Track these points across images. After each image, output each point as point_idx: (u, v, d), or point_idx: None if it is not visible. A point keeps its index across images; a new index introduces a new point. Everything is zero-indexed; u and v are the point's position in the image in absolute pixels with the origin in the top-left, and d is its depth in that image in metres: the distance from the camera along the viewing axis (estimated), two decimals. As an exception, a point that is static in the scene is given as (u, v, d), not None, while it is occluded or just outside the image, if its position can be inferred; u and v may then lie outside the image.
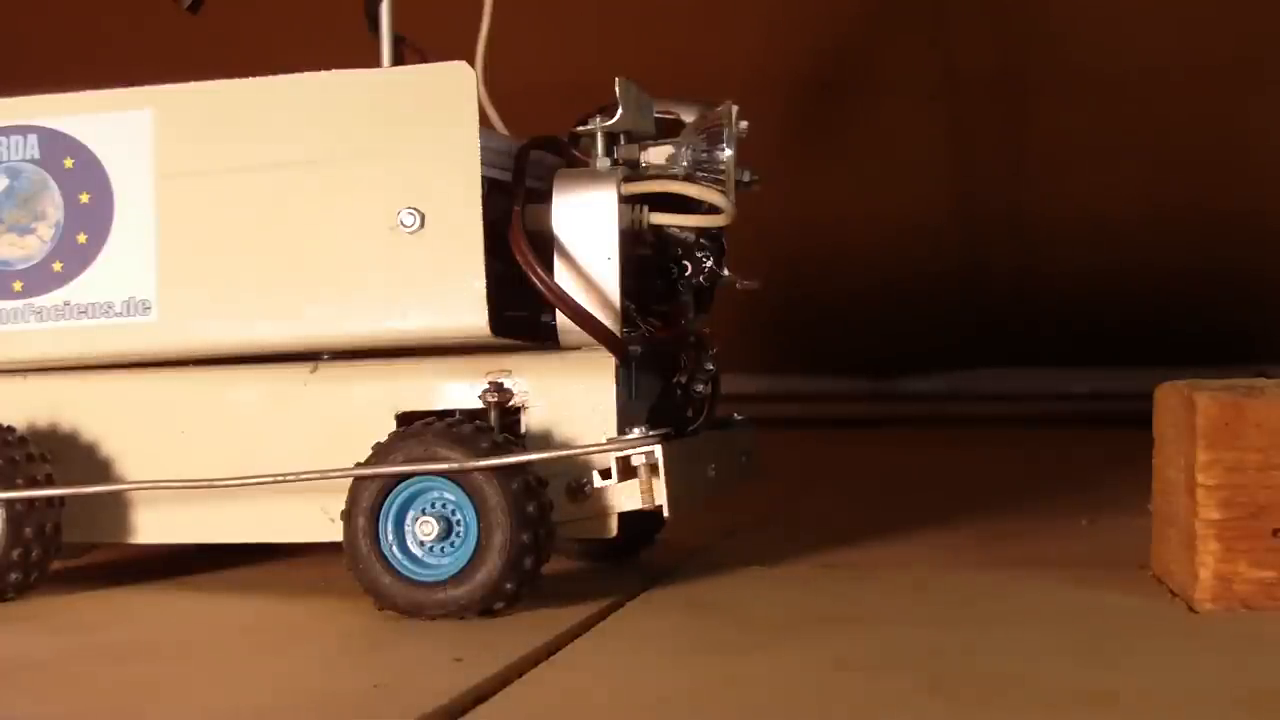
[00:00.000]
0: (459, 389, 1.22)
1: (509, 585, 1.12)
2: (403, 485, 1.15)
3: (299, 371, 1.26)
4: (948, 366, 3.17)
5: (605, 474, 1.16)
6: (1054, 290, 3.12)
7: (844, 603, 1.19)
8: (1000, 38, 3.13)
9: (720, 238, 1.27)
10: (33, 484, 1.23)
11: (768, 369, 3.10)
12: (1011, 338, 3.14)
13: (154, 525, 1.28)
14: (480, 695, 0.94)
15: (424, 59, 1.26)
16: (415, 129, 1.18)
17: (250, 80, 1.22)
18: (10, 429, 1.25)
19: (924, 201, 3.18)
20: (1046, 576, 1.27)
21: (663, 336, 1.26)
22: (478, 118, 1.17)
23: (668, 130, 1.28)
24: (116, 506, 1.28)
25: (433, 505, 1.15)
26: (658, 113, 1.29)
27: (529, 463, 1.14)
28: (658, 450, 1.13)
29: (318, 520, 1.23)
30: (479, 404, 1.20)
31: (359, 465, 1.16)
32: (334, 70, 1.22)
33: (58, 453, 1.27)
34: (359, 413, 1.23)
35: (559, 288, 1.18)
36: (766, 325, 2.93)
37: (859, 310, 3.17)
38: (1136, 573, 1.25)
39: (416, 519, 1.15)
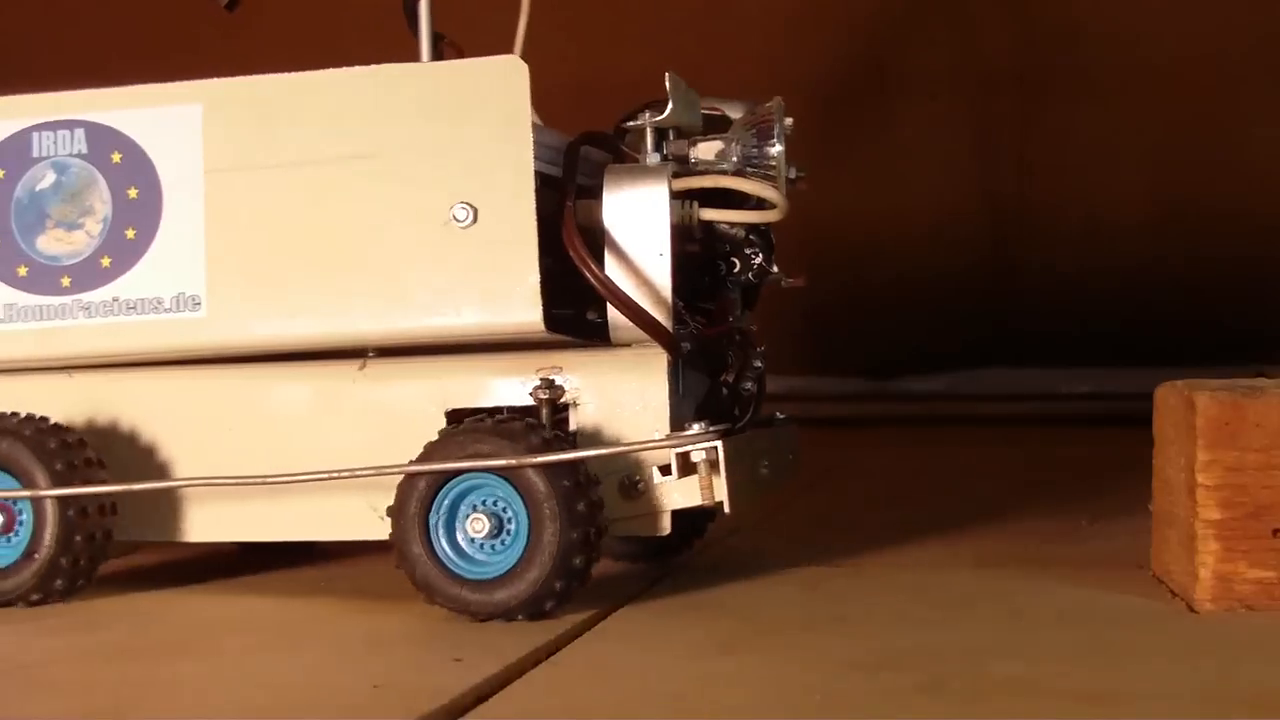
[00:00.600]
0: (509, 386, 1.22)
1: (559, 584, 1.12)
2: (454, 482, 1.15)
3: (347, 368, 1.25)
4: (947, 366, 3.16)
5: (665, 470, 1.16)
6: (1057, 289, 3.11)
7: (844, 603, 1.19)
8: (1024, 35, 3.11)
9: (768, 234, 1.26)
10: (86, 483, 1.22)
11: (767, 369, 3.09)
12: (1011, 338, 3.14)
13: (202, 524, 1.27)
14: (480, 695, 0.94)
15: (461, 57, 1.26)
16: (467, 123, 1.18)
17: (301, 75, 1.22)
18: (61, 426, 1.25)
19: (940, 201, 3.16)
20: (1046, 576, 1.27)
21: (712, 333, 1.25)
22: (530, 112, 1.16)
23: (712, 127, 1.28)
24: (164, 505, 1.27)
25: (483, 503, 1.15)
26: (703, 109, 1.28)
27: (581, 460, 1.14)
28: (719, 446, 1.13)
29: (366, 518, 1.22)
30: (528, 401, 1.19)
31: (412, 462, 1.16)
32: (386, 64, 1.21)
33: (102, 450, 1.26)
34: (408, 410, 1.23)
35: (613, 283, 1.17)
36: (764, 325, 2.92)
37: (862, 310, 3.17)
38: (1136, 573, 1.25)
39: (467, 516, 1.14)
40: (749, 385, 1.29)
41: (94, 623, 1.19)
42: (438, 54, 1.27)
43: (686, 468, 1.14)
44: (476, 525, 1.14)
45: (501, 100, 1.17)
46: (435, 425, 1.20)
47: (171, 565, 1.32)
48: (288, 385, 1.26)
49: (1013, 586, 1.24)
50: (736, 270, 1.25)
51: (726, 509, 1.14)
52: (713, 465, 1.13)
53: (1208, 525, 1.10)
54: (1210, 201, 3.04)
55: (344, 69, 1.21)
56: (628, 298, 1.17)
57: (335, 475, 1.20)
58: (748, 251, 1.25)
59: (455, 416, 1.21)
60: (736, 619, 1.15)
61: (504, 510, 1.14)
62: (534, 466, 1.12)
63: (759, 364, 1.30)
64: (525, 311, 1.16)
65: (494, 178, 1.17)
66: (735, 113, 1.27)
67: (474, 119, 1.17)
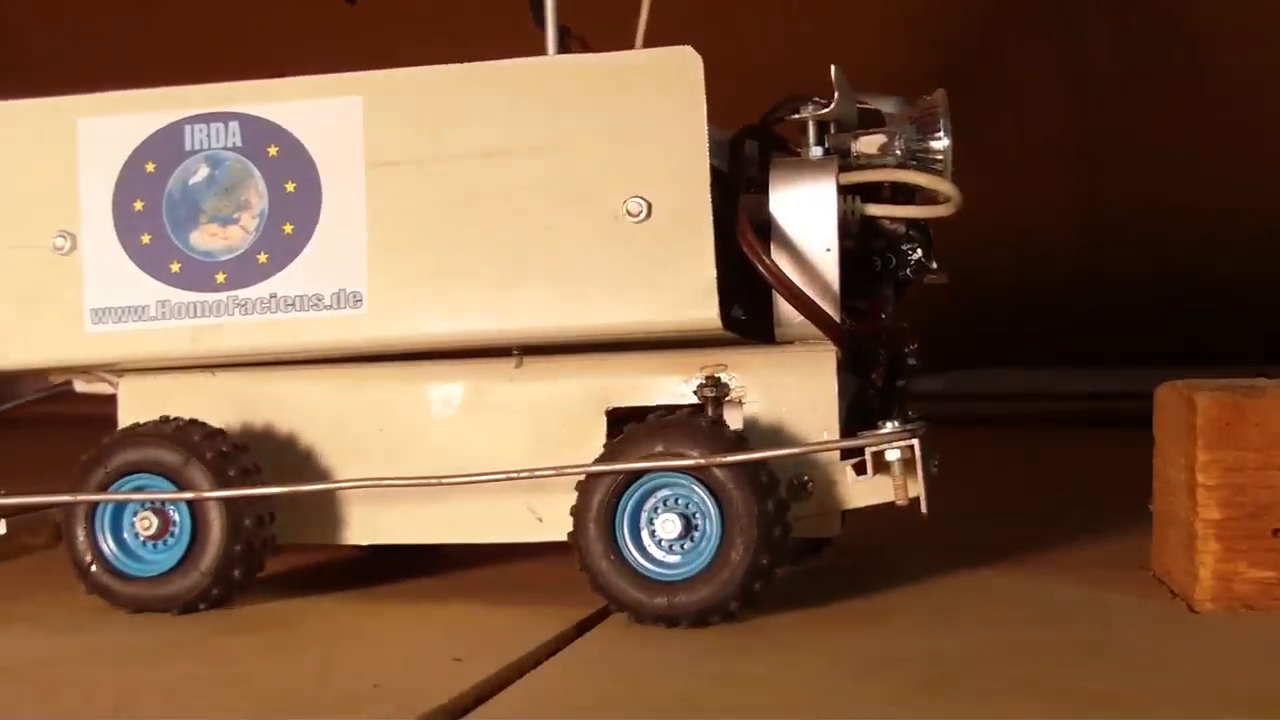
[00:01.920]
0: (670, 384, 1.20)
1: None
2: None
3: (503, 366, 1.23)
4: (947, 366, 3.15)
5: (860, 469, 1.14)
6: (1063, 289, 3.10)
7: (843, 602, 1.19)
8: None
9: (927, 229, 1.24)
10: (247, 485, 1.20)
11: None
12: (1013, 337, 3.12)
13: (357, 526, 1.25)
14: (480, 695, 0.94)
15: (587, 51, 1.24)
16: (640, 115, 1.15)
17: (466, 66, 1.19)
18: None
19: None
20: (1046, 576, 1.27)
21: (870, 330, 1.23)
22: (705, 104, 1.14)
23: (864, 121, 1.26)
24: (320, 508, 1.25)
25: (666, 503, 1.13)
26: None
27: (766, 460, 1.12)
28: (915, 444, 1.11)
29: (524, 520, 1.21)
30: (690, 400, 1.18)
31: (597, 460, 1.14)
32: (555, 55, 1.20)
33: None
34: (567, 408, 1.21)
35: (788, 277, 1.15)
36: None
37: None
38: (1136, 573, 1.25)
39: (652, 518, 1.12)
40: (901, 383, 1.27)
41: (94, 623, 1.18)
42: (564, 48, 1.25)
43: (879, 466, 1.12)
44: (668, 527, 1.11)
45: (676, 91, 1.14)
46: (595, 424, 1.19)
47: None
48: (440, 385, 1.23)
49: (1012, 586, 1.24)
50: (893, 266, 1.23)
51: (924, 508, 1.11)
52: (906, 464, 1.11)
53: (1208, 525, 1.10)
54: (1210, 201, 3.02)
55: (512, 60, 1.19)
56: (802, 292, 1.15)
57: (527, 474, 1.17)
58: (904, 247, 1.23)
59: (616, 415, 1.20)
60: (736, 619, 1.13)
61: (692, 511, 1.12)
62: (724, 466, 1.10)
63: (913, 362, 1.28)
64: (701, 307, 1.13)
65: (668, 170, 1.14)
66: (888, 107, 1.25)
67: (647, 111, 1.15)
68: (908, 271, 1.23)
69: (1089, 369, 3.06)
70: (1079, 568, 1.29)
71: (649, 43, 1.29)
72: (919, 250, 1.22)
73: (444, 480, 1.18)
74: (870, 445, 1.11)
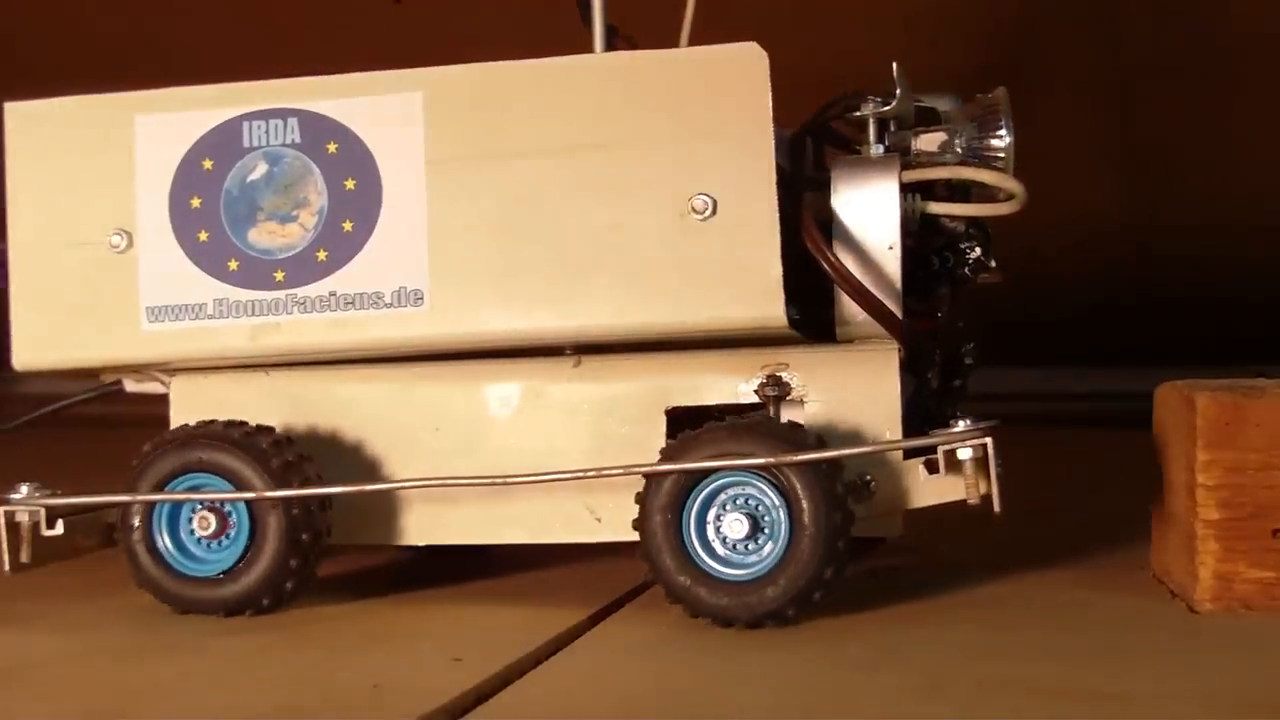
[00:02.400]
0: (730, 384, 1.19)
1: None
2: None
3: (561, 365, 1.22)
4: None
5: (932, 467, 1.13)
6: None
7: (843, 602, 1.17)
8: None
9: (986, 227, 1.23)
10: (306, 487, 1.18)
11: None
12: (1013, 337, 3.12)
13: (412, 527, 1.23)
14: (480, 695, 0.93)
15: (635, 49, 1.23)
16: (706, 112, 1.14)
17: (529, 62, 1.18)
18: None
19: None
20: (1046, 576, 1.27)
21: (929, 328, 1.22)
22: (770, 100, 1.13)
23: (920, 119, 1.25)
24: (371, 508, 1.23)
25: (734, 503, 1.11)
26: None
27: (836, 459, 1.11)
28: (989, 443, 1.09)
29: (583, 520, 1.20)
30: (750, 400, 1.17)
31: (662, 460, 1.12)
32: (618, 52, 1.19)
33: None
34: (627, 408, 1.20)
35: (854, 275, 1.15)
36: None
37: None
38: (1136, 573, 1.25)
39: (720, 517, 1.11)
40: (957, 383, 1.27)
41: (94, 623, 1.17)
42: (611, 46, 1.23)
43: (951, 465, 1.11)
44: (736, 527, 1.10)
45: (741, 88, 1.13)
46: (654, 424, 1.18)
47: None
48: (497, 384, 1.22)
49: (1012, 586, 1.24)
50: (951, 264, 1.23)
51: (997, 507, 1.10)
52: (979, 463, 1.10)
53: (1208, 525, 1.10)
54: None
55: (575, 56, 1.18)
56: (868, 290, 1.14)
57: (582, 475, 1.15)
58: (963, 245, 1.22)
59: (674, 415, 1.19)
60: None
61: (761, 512, 1.11)
62: (794, 465, 1.08)
63: (969, 361, 1.28)
64: (766, 305, 1.13)
65: (734, 168, 1.13)
66: (944, 105, 1.24)
67: (713, 107, 1.14)
68: (966, 270, 1.22)
69: (1089, 369, 3.06)
70: (1079, 568, 1.29)
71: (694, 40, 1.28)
72: (978, 249, 1.22)
73: (510, 480, 1.16)
74: (943, 444, 1.10)
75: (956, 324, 1.27)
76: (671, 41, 1.26)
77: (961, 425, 1.10)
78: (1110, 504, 1.62)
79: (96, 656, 1.07)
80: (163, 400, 1.29)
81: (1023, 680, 0.96)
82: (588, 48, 1.22)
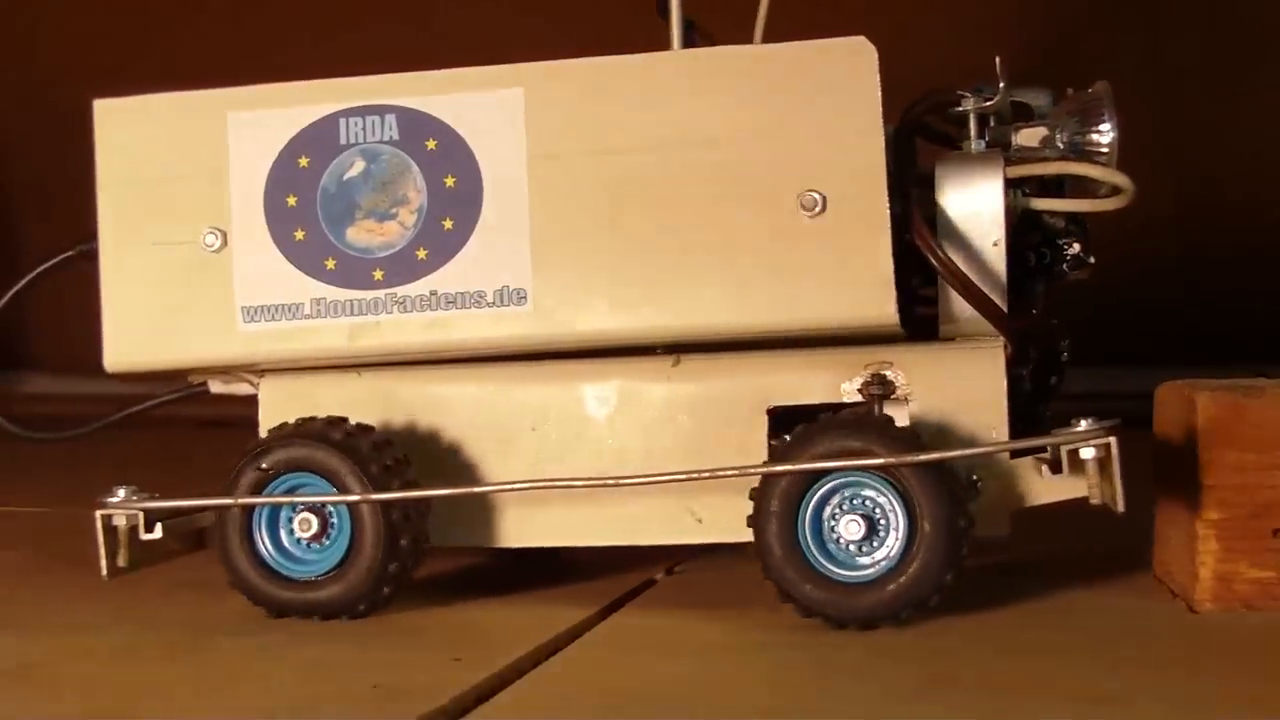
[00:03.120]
0: (833, 382, 1.17)
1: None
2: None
3: (660, 365, 1.20)
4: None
5: (1055, 467, 1.11)
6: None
7: None
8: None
9: (1084, 223, 1.22)
10: (405, 489, 1.16)
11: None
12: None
13: (508, 528, 1.21)
14: (480, 695, 0.93)
15: (712, 44, 1.22)
16: (814, 107, 1.12)
17: (630, 57, 1.16)
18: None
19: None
20: (1046, 576, 1.26)
21: (1031, 325, 1.21)
22: (880, 95, 1.12)
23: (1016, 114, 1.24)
24: (467, 510, 1.21)
25: (849, 504, 1.10)
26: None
27: (957, 459, 1.09)
28: (1113, 442, 1.07)
29: (684, 521, 1.19)
30: (854, 399, 1.16)
31: (775, 462, 1.11)
32: (723, 46, 1.17)
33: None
34: (727, 408, 1.18)
35: (963, 272, 1.14)
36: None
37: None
38: (1137, 573, 1.25)
39: (835, 517, 1.10)
40: (1054, 380, 1.26)
41: (94, 623, 1.16)
42: (689, 41, 1.22)
43: (1074, 465, 1.09)
44: (851, 529, 1.09)
45: (851, 83, 1.12)
46: (755, 424, 1.17)
47: (172, 565, 1.26)
48: (594, 384, 1.20)
49: (1011, 585, 1.23)
50: (1049, 260, 1.21)
51: (1120, 508, 1.07)
52: (1101, 463, 1.08)
53: (1208, 525, 1.10)
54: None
55: (678, 51, 1.17)
56: (977, 287, 1.13)
57: (695, 476, 1.13)
58: (1062, 241, 1.21)
59: (777, 414, 1.17)
60: (737, 618, 1.13)
61: (876, 513, 1.10)
62: (912, 466, 1.07)
63: (1065, 356, 1.27)
64: (878, 304, 1.11)
65: (844, 164, 1.12)
66: (1039, 100, 1.23)
67: (821, 102, 1.12)
68: (1064, 266, 1.21)
69: (1089, 369, 3.08)
70: (1079, 567, 1.29)
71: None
72: (1077, 244, 1.21)
73: (621, 481, 1.14)
74: (1066, 443, 1.08)
75: (1052, 320, 1.27)
76: (742, 37, 1.24)
77: (1084, 424, 1.08)
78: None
79: (96, 656, 1.08)
80: (240, 402, 1.28)
81: (1023, 680, 0.96)
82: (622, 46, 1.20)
